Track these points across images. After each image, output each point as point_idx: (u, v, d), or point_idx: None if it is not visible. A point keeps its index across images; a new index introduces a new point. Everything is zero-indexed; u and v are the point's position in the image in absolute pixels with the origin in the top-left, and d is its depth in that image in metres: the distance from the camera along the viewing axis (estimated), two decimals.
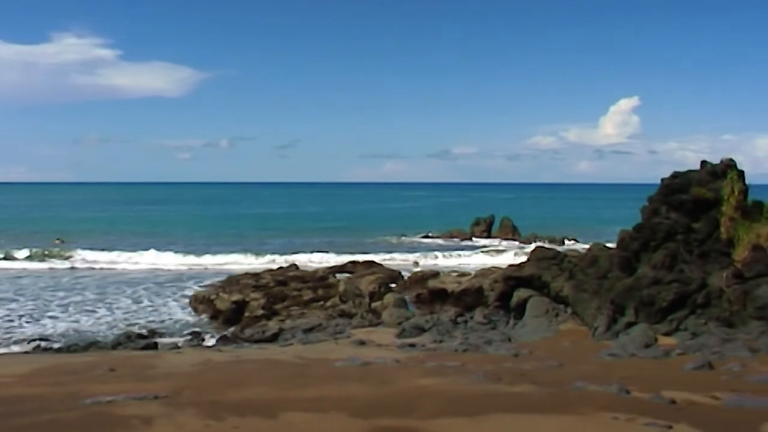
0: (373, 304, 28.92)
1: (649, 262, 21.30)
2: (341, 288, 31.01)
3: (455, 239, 65.86)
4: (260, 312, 28.13)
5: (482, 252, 53.21)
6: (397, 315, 26.16)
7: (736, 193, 21.21)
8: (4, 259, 48.05)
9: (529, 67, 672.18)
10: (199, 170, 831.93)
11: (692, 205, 21.57)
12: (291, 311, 28.99)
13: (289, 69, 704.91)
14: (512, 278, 24.62)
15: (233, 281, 33.33)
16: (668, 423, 9.63)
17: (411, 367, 15.08)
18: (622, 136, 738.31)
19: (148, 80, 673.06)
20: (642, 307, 20.02)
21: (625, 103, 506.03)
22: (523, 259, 28.68)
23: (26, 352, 21.81)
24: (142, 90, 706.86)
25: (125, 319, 28.45)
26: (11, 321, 27.66)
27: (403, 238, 67.96)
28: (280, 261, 44.91)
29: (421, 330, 23.21)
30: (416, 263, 47.42)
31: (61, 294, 34.26)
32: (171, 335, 25.51)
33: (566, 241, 58.19)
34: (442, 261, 48.25)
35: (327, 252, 50.51)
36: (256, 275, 34.35)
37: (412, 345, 20.36)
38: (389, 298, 29.53)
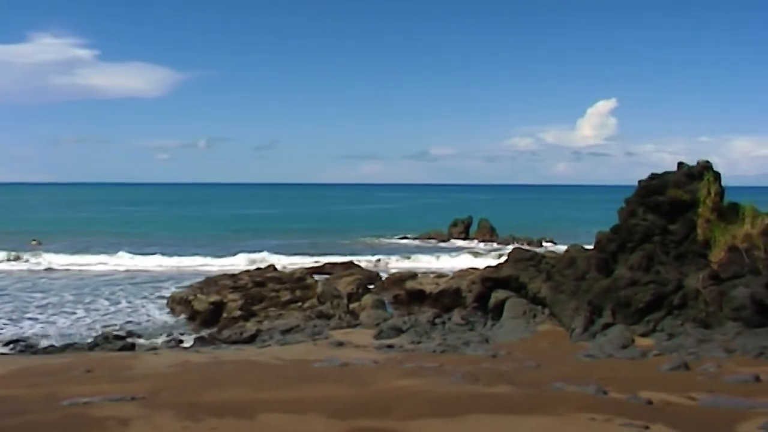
0: (351, 305, 28.90)
1: (626, 264, 21.39)
2: (319, 289, 30.96)
3: (433, 240, 65.85)
4: (238, 313, 28.05)
5: (460, 254, 53.15)
6: (375, 316, 26.17)
7: (713, 194, 21.32)
8: None
9: (506, 69, 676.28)
10: (177, 171, 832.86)
11: (669, 206, 21.67)
12: (269, 312, 28.91)
13: (267, 70, 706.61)
14: (490, 279, 24.67)
15: (211, 282, 33.19)
16: (645, 423, 9.67)
17: (389, 368, 15.07)
18: (599, 138, 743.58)
19: (126, 80, 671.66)
20: (619, 308, 20.10)
21: (603, 105, 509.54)
22: (501, 260, 28.70)
23: (3, 354, 21.63)
24: (120, 90, 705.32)
25: (103, 321, 28.29)
26: None
27: (381, 239, 67.96)
28: (258, 262, 44.75)
29: (399, 331, 23.21)
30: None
31: (38, 295, 34.01)
32: (148, 336, 25.37)
33: (544, 243, 58.34)
34: (417, 264, 48.04)
35: (304, 255, 50.20)
36: (233, 276, 34.24)
37: (390, 346, 20.35)
38: (367, 299, 29.55)
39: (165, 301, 31.99)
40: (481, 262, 40.44)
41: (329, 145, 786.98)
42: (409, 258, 50.36)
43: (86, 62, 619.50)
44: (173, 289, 34.76)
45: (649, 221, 21.72)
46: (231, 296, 29.61)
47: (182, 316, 29.26)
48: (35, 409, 10.51)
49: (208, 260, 48.46)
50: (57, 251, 51.51)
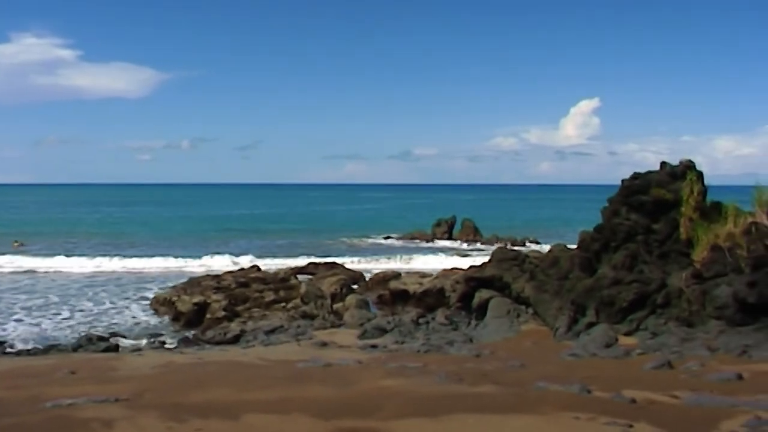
0: (335, 306, 28.91)
1: (610, 263, 21.44)
2: (303, 289, 30.95)
3: (416, 240, 65.92)
4: (222, 314, 28.00)
5: (443, 254, 53.19)
6: (358, 316, 26.17)
7: (695, 194, 21.37)
8: None
9: (489, 69, 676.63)
10: (160, 171, 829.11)
11: (652, 206, 21.72)
12: (252, 313, 28.87)
13: (250, 70, 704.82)
14: (473, 279, 24.68)
15: (194, 283, 33.10)
16: (629, 422, 9.68)
17: (373, 368, 15.05)
18: (582, 138, 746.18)
19: (108, 81, 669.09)
20: (603, 308, 20.14)
21: (586, 105, 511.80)
22: (485, 260, 28.73)
23: None
24: (103, 91, 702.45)
25: (87, 322, 28.18)
26: None
27: (364, 239, 67.96)
28: (242, 262, 44.66)
29: (383, 331, 23.21)
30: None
31: (23, 297, 33.86)
32: (132, 337, 25.31)
33: (527, 243, 58.43)
34: (401, 264, 48.00)
35: (288, 257, 50.02)
36: (217, 277, 34.18)
37: (374, 346, 20.35)
38: (351, 299, 29.55)
39: (149, 302, 31.92)
40: (465, 262, 40.47)
41: (312, 145, 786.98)
42: (392, 258, 50.37)
43: (69, 63, 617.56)
44: (157, 290, 34.68)
45: (632, 220, 21.78)
46: (215, 297, 29.54)
47: (166, 317, 29.22)
48: (19, 411, 10.44)
49: (192, 260, 48.32)
50: (40, 252, 51.30)
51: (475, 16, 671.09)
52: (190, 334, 25.63)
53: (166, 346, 23.62)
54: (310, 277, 37.05)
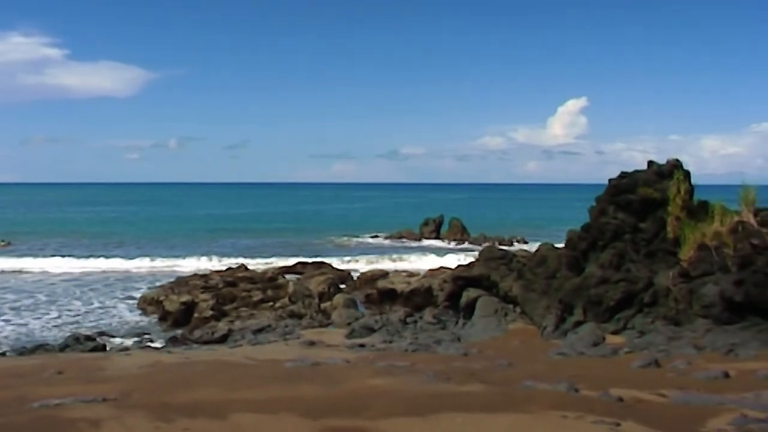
0: (323, 305, 28.91)
1: (597, 262, 21.48)
2: (290, 289, 30.93)
3: (404, 240, 65.94)
4: (209, 313, 27.96)
5: (431, 253, 53.13)
6: (346, 315, 26.16)
7: (682, 193, 21.43)
8: None
9: (477, 68, 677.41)
10: (148, 171, 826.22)
11: (639, 205, 21.77)
12: (240, 312, 28.84)
13: (239, 69, 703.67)
14: (461, 278, 24.69)
15: (182, 282, 33.09)
16: (616, 420, 9.69)
17: (361, 368, 15.04)
18: (570, 137, 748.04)
19: (96, 80, 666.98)
20: (590, 306, 20.19)
21: (573, 104, 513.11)
22: (473, 259, 28.76)
23: None
24: (91, 90, 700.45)
25: (74, 322, 28.11)
26: None
27: (352, 238, 67.94)
28: (230, 262, 44.59)
29: (370, 330, 23.21)
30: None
31: (11, 297, 33.72)
32: (120, 337, 25.25)
33: (515, 242, 58.49)
34: (389, 263, 47.93)
35: (275, 257, 49.88)
36: (205, 276, 34.17)
37: (361, 345, 20.34)
38: (339, 298, 29.57)
39: (136, 302, 31.85)
40: (453, 261, 40.52)
41: (301, 144, 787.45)
42: (380, 257, 50.35)
43: (56, 61, 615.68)
44: (145, 290, 34.59)
45: (619, 219, 21.82)
46: (202, 296, 29.50)
47: (153, 316, 29.18)
48: (5, 412, 10.38)
49: (180, 260, 48.22)
50: (27, 252, 51.11)
51: (462, 16, 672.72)
52: (177, 333, 25.59)
53: (154, 345, 23.58)
54: (298, 276, 37.02)
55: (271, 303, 30.19)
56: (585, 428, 9.51)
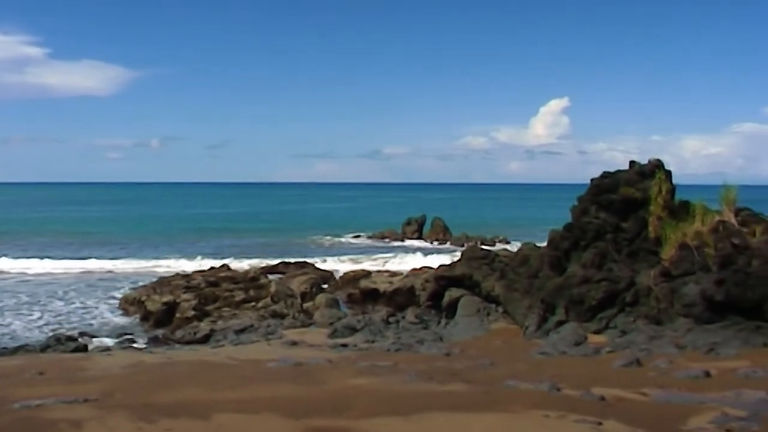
0: (305, 305, 28.87)
1: (579, 261, 21.54)
2: (273, 288, 30.86)
3: (386, 239, 65.93)
4: (191, 313, 27.81)
5: (413, 253, 53.04)
6: (329, 315, 26.12)
7: (664, 192, 21.53)
8: None
9: (459, 68, 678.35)
10: (130, 170, 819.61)
11: (621, 204, 21.85)
12: (222, 312, 28.71)
13: (220, 68, 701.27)
14: (444, 278, 24.72)
15: (164, 282, 32.95)
16: (598, 419, 9.73)
17: (343, 367, 15.02)
18: (552, 137, 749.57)
19: (78, 79, 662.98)
20: (572, 306, 20.23)
21: (555, 104, 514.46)
22: (455, 259, 28.77)
23: None
24: (72, 89, 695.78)
25: (56, 322, 27.95)
26: None
27: (335, 238, 67.88)
28: (212, 262, 44.41)
29: (353, 330, 23.17)
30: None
31: None
32: (101, 337, 25.10)
33: (497, 242, 58.53)
34: (371, 263, 47.79)
35: (257, 257, 49.63)
36: (187, 276, 34.04)
37: (344, 345, 20.31)
38: (321, 298, 29.53)
39: (118, 302, 31.70)
40: (435, 261, 40.53)
41: (282, 143, 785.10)
42: (362, 257, 50.30)
43: (37, 60, 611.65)
44: (126, 290, 34.43)
45: (601, 219, 21.89)
46: (184, 296, 29.37)
47: (135, 316, 29.00)
48: None
49: (162, 260, 48.03)
50: (8, 252, 50.76)
51: (445, 16, 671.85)
52: (159, 333, 25.49)
53: (136, 345, 23.42)
54: (280, 276, 36.95)
55: (253, 303, 30.07)
56: (567, 427, 9.54)
